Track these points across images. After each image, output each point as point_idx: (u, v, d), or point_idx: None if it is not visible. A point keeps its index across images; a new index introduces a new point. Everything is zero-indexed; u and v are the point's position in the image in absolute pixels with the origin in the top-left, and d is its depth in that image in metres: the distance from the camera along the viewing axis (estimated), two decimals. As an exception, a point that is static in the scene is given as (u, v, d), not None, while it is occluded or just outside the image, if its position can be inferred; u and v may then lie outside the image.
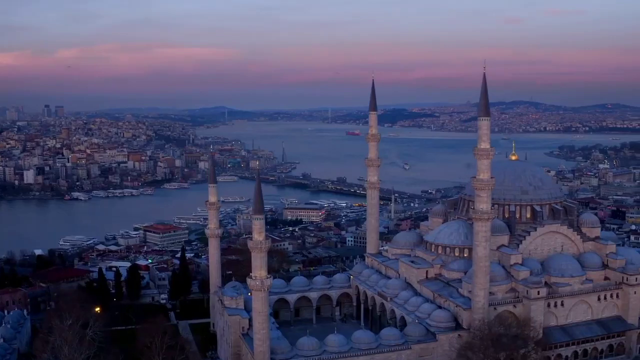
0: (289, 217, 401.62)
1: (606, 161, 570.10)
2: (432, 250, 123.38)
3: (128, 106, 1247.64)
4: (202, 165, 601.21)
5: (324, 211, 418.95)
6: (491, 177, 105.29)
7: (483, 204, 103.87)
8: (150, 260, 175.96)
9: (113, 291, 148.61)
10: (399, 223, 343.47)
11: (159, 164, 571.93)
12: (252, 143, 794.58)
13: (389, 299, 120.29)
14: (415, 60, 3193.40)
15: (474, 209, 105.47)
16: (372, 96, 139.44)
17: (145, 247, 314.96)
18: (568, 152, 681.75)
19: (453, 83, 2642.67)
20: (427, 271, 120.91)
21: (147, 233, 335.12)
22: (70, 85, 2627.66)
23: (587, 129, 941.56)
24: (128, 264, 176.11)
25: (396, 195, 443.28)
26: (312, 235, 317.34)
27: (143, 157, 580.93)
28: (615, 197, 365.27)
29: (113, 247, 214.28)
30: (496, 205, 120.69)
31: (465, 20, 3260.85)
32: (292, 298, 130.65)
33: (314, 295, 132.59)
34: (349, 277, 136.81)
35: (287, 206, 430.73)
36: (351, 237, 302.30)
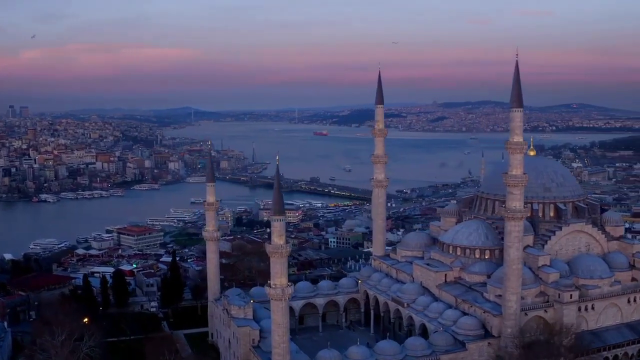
0: (265, 218, 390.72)
1: (577, 160, 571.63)
2: (450, 251, 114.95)
3: (93, 107, 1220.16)
4: (172, 166, 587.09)
5: (300, 212, 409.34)
6: (524, 174, 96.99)
7: (516, 201, 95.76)
8: (135, 265, 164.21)
9: (99, 299, 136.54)
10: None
11: (128, 164, 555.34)
12: (221, 143, 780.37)
13: (405, 305, 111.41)
14: (381, 60, 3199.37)
15: (504, 207, 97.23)
16: (379, 89, 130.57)
17: (120, 250, 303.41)
18: (537, 151, 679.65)
19: (419, 83, 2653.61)
20: (445, 274, 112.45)
21: (121, 235, 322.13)
22: (34, 86, 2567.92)
23: (554, 128, 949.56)
24: (111, 269, 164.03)
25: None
26: (293, 236, 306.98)
27: (112, 158, 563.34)
28: (593, 196, 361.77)
29: (94, 252, 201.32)
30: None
31: (432, 21, 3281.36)
32: (297, 305, 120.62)
33: (320, 301, 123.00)
34: (357, 282, 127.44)
35: (262, 207, 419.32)
36: (333, 238, 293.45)
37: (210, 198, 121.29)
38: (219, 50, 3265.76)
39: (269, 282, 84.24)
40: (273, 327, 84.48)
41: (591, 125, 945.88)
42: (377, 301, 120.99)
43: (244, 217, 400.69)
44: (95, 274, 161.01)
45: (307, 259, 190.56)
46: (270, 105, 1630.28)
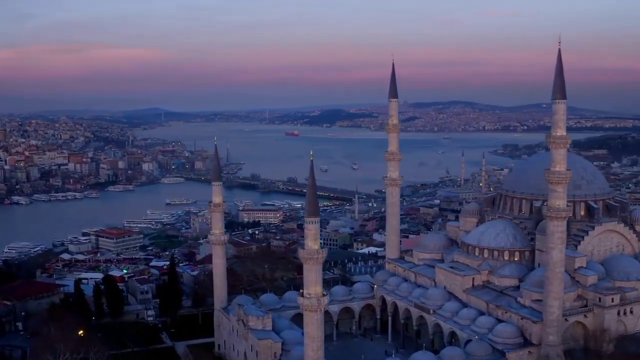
0: (245, 219, 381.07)
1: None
2: (476, 254, 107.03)
3: (62, 108, 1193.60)
4: (147, 166, 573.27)
5: (281, 212, 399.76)
6: (568, 170, 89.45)
7: (559, 200, 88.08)
8: (125, 271, 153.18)
9: (92, 308, 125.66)
10: (364, 224, 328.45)
11: (102, 165, 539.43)
12: (194, 144, 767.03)
13: (431, 311, 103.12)
14: (352, 61, 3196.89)
15: (546, 205, 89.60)
16: (392, 82, 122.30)
17: (99, 253, 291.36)
18: (513, 150, 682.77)
19: (388, 83, 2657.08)
20: (473, 278, 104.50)
21: (100, 238, 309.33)
22: (1, 86, 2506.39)
23: (525, 127, 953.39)
24: (100, 275, 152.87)
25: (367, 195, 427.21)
26: (278, 237, 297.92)
27: (84, 159, 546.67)
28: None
29: (80, 257, 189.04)
30: (544, 201, 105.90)
31: (402, 22, 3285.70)
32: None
33: (334, 308, 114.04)
34: (372, 287, 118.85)
35: (242, 208, 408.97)
36: (320, 239, 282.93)
37: (217, 198, 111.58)
38: (188, 51, 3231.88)
39: (301, 290, 75.22)
40: (306, 341, 75.40)
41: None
42: (395, 307, 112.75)
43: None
44: (83, 281, 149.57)
45: (291, 261, 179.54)
46: (240, 106, 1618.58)
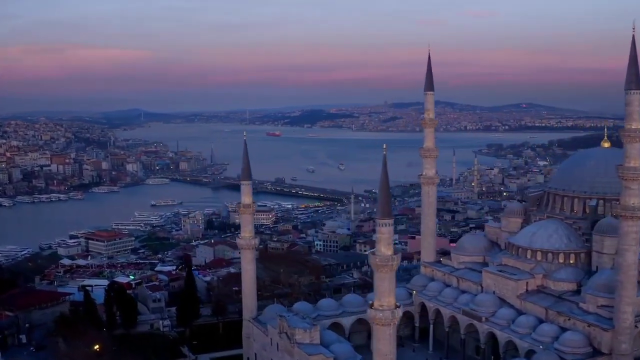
0: (237, 221, 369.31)
1: (540, 158, 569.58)
2: (528, 256, 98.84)
3: (41, 109, 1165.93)
4: (131, 167, 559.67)
5: (273, 213, 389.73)
6: None
7: (634, 198, 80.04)
8: (132, 277, 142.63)
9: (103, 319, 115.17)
10: (360, 224, 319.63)
11: (85, 166, 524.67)
12: (177, 145, 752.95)
13: (483, 319, 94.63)
14: (332, 61, 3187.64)
15: (620, 204, 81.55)
16: (428, 74, 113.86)
17: (90, 256, 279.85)
18: (497, 149, 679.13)
19: (369, 84, 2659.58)
20: (527, 283, 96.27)
21: (90, 241, 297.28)
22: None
23: (506, 127, 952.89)
24: (105, 282, 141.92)
25: (357, 195, 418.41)
26: (275, 239, 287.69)
27: (67, 160, 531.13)
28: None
29: (81, 262, 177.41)
30: (601, 201, 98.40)
31: (383, 22, 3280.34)
32: (347, 322, 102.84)
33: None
34: (410, 293, 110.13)
35: (234, 209, 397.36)
36: (319, 240, 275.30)
37: (247, 198, 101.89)
38: (168, 52, 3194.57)
39: (371, 302, 66.30)
40: (377, 359, 66.32)
41: (543, 125, 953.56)
42: (438, 314, 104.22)
43: (214, 219, 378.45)
44: (88, 288, 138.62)
45: (316, 264, 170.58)
46: (220, 107, 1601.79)
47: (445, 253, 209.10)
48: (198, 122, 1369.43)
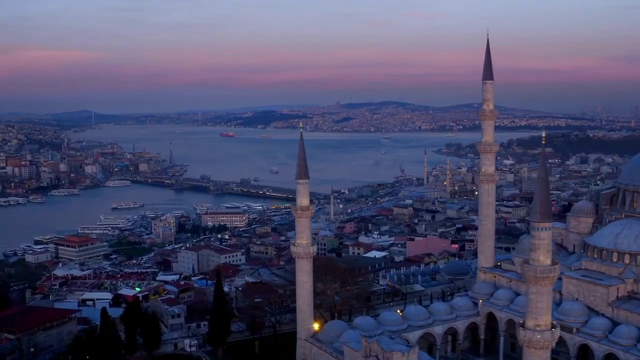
0: (209, 223, 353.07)
1: (501, 157, 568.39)
2: (614, 259, 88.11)
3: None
4: (89, 169, 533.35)
5: (246, 215, 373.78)
6: None
7: None
8: (138, 289, 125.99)
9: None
10: (341, 225, 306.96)
11: (43, 169, 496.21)
12: (134, 146, 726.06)
13: (574, 330, 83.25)
14: (281, 62, 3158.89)
15: None
16: (487, 61, 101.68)
17: (61, 263, 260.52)
18: (456, 149, 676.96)
19: (319, 85, 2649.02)
20: (617, 288, 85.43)
21: (60, 247, 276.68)
22: None
23: (461, 127, 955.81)
24: (108, 295, 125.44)
25: (336, 194, 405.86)
26: (258, 243, 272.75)
27: (23, 162, 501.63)
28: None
29: (75, 272, 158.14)
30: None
31: (333, 23, 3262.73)
32: (413, 336, 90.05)
33: (438, 330, 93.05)
34: (474, 302, 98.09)
35: (205, 211, 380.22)
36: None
37: (304, 200, 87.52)
38: (117, 53, 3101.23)
39: (521, 321, 53.73)
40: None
41: (497, 124, 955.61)
42: (510, 325, 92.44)
43: (184, 221, 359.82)
44: (89, 302, 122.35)
45: (351, 271, 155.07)
46: (171, 108, 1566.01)
47: (455, 255, 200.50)
48: (149, 124, 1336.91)
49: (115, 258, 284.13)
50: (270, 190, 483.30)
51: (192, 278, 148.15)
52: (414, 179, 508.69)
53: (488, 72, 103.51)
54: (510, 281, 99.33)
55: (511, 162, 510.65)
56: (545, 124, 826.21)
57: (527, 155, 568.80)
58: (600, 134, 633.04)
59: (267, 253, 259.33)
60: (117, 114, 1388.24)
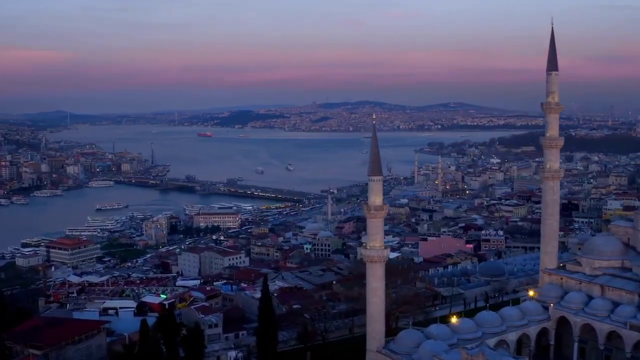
0: (202, 224, 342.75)
1: (485, 155, 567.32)
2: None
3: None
4: (71, 170, 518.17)
5: (239, 216, 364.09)
6: None
7: None
8: (164, 296, 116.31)
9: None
10: (340, 226, 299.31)
11: (24, 169, 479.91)
12: (113, 146, 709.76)
13: (667, 337, 76.39)
14: (256, 62, 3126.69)
15: None
16: (552, 52, 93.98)
17: (53, 267, 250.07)
18: (439, 148, 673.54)
19: (294, 84, 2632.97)
20: None
21: (51, 250, 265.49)
22: None
23: (439, 126, 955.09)
24: (131, 303, 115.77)
25: (333, 193, 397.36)
26: (260, 244, 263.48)
27: (3, 163, 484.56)
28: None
29: (92, 278, 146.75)
30: None
31: (308, 23, 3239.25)
32: (489, 344, 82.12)
33: (512, 336, 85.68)
34: (545, 307, 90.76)
35: (198, 212, 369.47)
36: (309, 245, 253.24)
37: (377, 198, 78.72)
38: (92, 53, 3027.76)
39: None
40: None
41: (475, 124, 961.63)
42: (590, 330, 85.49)
43: (174, 222, 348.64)
44: (110, 311, 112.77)
45: (352, 272, 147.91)
46: (146, 108, 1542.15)
47: (475, 255, 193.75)
48: (125, 124, 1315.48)
49: (109, 261, 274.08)
50: (259, 191, 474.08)
51: (215, 283, 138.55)
52: (402, 178, 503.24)
53: (553, 63, 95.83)
54: (580, 283, 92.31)
55: (498, 160, 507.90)
56: (523, 123, 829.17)
57: (510, 154, 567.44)
58: (582, 132, 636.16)
59: (268, 254, 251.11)
60: (93, 114, 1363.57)
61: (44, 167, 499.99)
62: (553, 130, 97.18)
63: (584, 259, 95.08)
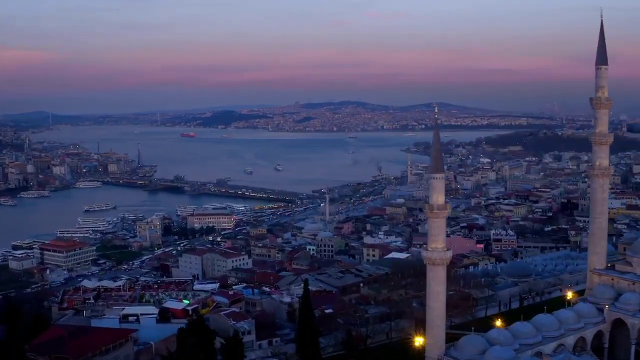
0: (196, 225, 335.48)
1: (473, 155, 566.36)
2: None
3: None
4: (58, 170, 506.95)
5: (234, 216, 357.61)
6: None
7: None
8: (186, 302, 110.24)
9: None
10: (339, 226, 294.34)
11: (10, 170, 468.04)
12: (98, 146, 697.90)
13: None
14: (238, 62, 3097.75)
15: None
16: (601, 45, 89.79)
17: (48, 270, 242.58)
18: (425, 148, 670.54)
19: (276, 85, 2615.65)
20: None
21: (45, 252, 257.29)
22: None
23: (423, 126, 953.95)
24: (153, 309, 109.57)
25: (316, 194, 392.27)
26: (260, 245, 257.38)
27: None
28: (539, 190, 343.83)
29: (106, 283, 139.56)
30: None
31: (290, 23, 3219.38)
32: (547, 349, 78.14)
33: (570, 340, 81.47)
34: (599, 309, 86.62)
35: (192, 212, 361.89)
36: (312, 245, 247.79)
37: (440, 197, 74.11)
38: (74, 53, 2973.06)
39: None
40: None
41: (459, 124, 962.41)
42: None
43: (168, 222, 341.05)
44: (131, 318, 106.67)
45: (371, 274, 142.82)
46: (128, 108, 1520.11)
47: (487, 255, 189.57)
48: (107, 124, 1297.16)
49: (104, 263, 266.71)
50: (250, 191, 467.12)
51: (234, 287, 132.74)
52: (392, 178, 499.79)
53: (602, 56, 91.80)
54: (634, 284, 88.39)
55: (488, 160, 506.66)
56: (506, 123, 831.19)
57: (498, 154, 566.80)
58: (569, 132, 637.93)
59: (269, 256, 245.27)
60: (75, 114, 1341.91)
61: (29, 168, 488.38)
62: (602, 127, 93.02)
63: (635, 258, 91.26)
